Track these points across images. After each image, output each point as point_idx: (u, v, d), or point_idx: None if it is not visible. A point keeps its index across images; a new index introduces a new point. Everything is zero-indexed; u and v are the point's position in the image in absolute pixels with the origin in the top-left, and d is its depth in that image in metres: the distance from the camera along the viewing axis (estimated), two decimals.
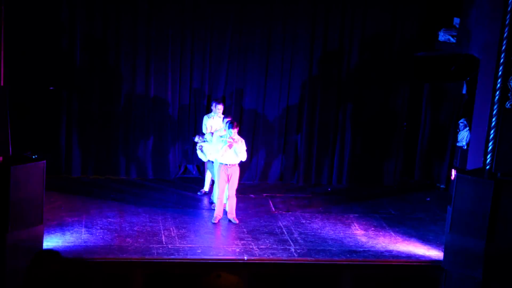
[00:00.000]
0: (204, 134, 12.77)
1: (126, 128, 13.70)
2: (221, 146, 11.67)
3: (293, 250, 11.09)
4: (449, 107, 14.26)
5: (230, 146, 11.63)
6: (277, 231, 11.78)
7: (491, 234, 10.07)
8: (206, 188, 13.10)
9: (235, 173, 11.82)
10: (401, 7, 13.80)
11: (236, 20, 13.60)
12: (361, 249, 11.25)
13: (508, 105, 10.22)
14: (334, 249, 11.21)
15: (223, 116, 12.73)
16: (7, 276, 9.63)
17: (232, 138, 11.66)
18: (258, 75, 13.88)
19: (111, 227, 11.54)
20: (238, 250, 10.97)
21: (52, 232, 11.05)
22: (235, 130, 11.74)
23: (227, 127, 11.80)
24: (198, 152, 12.81)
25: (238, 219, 11.97)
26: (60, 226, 11.36)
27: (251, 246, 11.10)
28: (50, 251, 5.06)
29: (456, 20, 13.66)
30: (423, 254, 11.20)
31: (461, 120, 13.84)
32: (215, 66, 13.77)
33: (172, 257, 10.61)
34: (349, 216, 12.61)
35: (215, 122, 12.77)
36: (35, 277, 4.96)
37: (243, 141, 11.90)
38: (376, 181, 14.34)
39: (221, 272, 4.34)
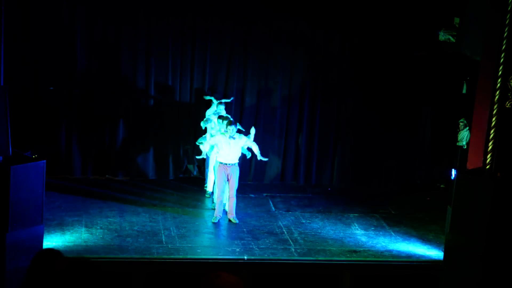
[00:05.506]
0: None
1: (126, 128, 13.70)
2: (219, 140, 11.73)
3: (293, 249, 11.09)
4: (449, 107, 14.27)
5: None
6: (277, 230, 11.78)
7: (491, 234, 10.07)
8: (210, 187, 12.99)
9: (235, 173, 11.83)
10: (401, 7, 13.79)
11: (237, 19, 13.61)
12: (361, 249, 11.25)
13: (508, 105, 10.22)
14: (334, 249, 11.21)
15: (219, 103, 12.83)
16: (7, 276, 9.63)
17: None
18: (258, 75, 13.89)
19: (111, 226, 11.54)
20: (238, 250, 10.97)
21: (52, 232, 11.05)
22: (234, 127, 11.73)
23: (225, 126, 11.80)
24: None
25: (238, 218, 11.98)
26: (60, 226, 11.37)
27: (251, 246, 11.10)
28: (51, 250, 5.05)
29: (456, 20, 13.66)
30: (423, 254, 11.21)
31: (461, 120, 13.86)
32: (216, 65, 13.78)
33: (172, 256, 10.62)
34: (349, 216, 12.62)
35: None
36: (36, 277, 4.96)
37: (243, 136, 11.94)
38: (376, 181, 14.34)
39: (221, 272, 4.34)
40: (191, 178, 14.12)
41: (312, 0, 13.67)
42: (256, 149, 12.00)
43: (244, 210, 12.44)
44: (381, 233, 11.95)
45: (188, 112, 13.88)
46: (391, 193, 13.92)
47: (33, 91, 13.20)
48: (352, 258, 10.95)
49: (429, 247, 11.45)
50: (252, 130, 12.01)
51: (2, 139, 9.63)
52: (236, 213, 11.99)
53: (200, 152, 12.74)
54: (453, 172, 12.90)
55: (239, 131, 12.09)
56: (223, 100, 13.01)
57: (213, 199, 12.48)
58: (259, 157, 12.08)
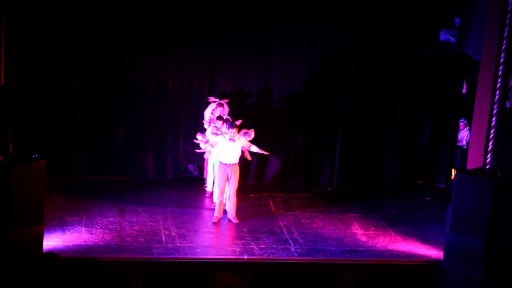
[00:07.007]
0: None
1: (126, 128, 13.71)
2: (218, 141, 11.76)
3: (293, 249, 11.10)
4: (449, 107, 14.27)
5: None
6: (277, 230, 11.79)
7: (491, 234, 10.06)
8: (210, 187, 13.00)
9: (235, 173, 11.84)
10: (401, 7, 13.80)
11: (237, 19, 13.60)
12: (361, 249, 11.26)
13: (508, 104, 10.22)
14: (334, 248, 11.22)
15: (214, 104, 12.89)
16: (7, 275, 9.63)
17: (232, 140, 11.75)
18: (259, 75, 13.90)
19: (111, 226, 11.55)
20: (238, 249, 10.98)
21: (52, 231, 11.07)
22: (235, 130, 11.75)
23: (226, 128, 11.83)
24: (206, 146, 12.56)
25: (238, 218, 11.98)
26: (60, 226, 11.38)
27: (251, 246, 11.11)
28: (51, 253, 5.06)
29: (457, 20, 13.68)
30: (423, 254, 11.22)
31: (461, 120, 13.86)
32: (216, 65, 13.79)
33: (172, 256, 10.63)
34: (349, 216, 12.62)
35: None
36: (37, 277, 4.97)
37: (246, 135, 11.95)
38: (376, 181, 14.35)
39: (218, 272, 4.34)
40: (191, 178, 14.13)
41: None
42: (255, 149, 12.03)
43: (244, 210, 12.44)
44: (381, 233, 11.95)
45: (188, 112, 13.88)
46: (391, 193, 13.93)
47: (33, 91, 13.18)
48: (352, 258, 10.95)
49: (429, 246, 11.45)
50: (251, 133, 12.06)
51: (2, 139, 9.63)
52: (236, 213, 12.00)
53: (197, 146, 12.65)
54: (453, 172, 12.90)
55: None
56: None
57: (213, 199, 12.48)
58: (258, 150, 12.09)
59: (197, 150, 12.69)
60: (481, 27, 11.23)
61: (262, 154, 12.31)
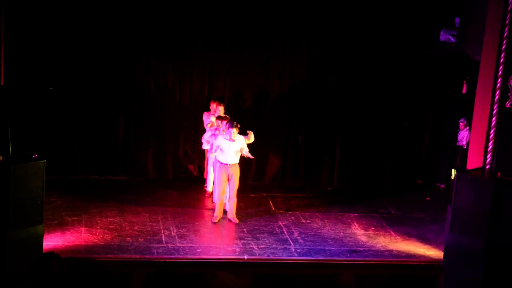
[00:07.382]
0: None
1: (126, 128, 13.70)
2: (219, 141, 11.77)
3: (293, 249, 11.10)
4: (449, 107, 14.27)
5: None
6: (277, 230, 11.79)
7: (491, 234, 10.08)
8: (210, 187, 12.99)
9: (235, 173, 11.84)
10: (401, 6, 13.80)
11: (237, 20, 13.60)
12: (361, 249, 11.26)
13: (508, 104, 10.23)
14: (334, 248, 11.22)
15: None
16: (7, 275, 9.63)
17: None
18: (259, 76, 13.89)
19: (111, 226, 11.55)
20: (238, 249, 10.98)
21: (52, 231, 11.06)
22: (236, 130, 11.74)
23: (226, 127, 11.82)
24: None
25: (238, 218, 11.98)
26: (60, 226, 11.38)
27: (251, 246, 11.11)
28: (51, 253, 5.07)
29: (457, 20, 13.68)
30: (423, 254, 11.21)
31: (461, 120, 13.86)
32: (216, 66, 13.79)
33: (172, 256, 10.62)
34: (349, 216, 12.62)
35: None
36: (37, 277, 4.97)
37: (246, 137, 11.95)
38: (376, 181, 14.35)
39: (218, 272, 4.34)
40: (191, 178, 14.12)
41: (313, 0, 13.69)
42: (245, 151, 11.99)
43: (244, 210, 12.45)
44: (381, 233, 11.95)
45: (188, 112, 13.88)
46: (391, 193, 13.93)
47: (33, 91, 13.18)
48: (352, 258, 10.95)
49: (429, 246, 11.45)
50: (251, 135, 12.05)
51: (2, 139, 9.64)
52: (236, 213, 12.00)
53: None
54: (453, 172, 12.91)
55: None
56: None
57: (213, 199, 12.48)
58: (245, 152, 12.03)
59: (209, 154, 12.72)
60: (481, 27, 11.23)
61: (252, 157, 12.21)
